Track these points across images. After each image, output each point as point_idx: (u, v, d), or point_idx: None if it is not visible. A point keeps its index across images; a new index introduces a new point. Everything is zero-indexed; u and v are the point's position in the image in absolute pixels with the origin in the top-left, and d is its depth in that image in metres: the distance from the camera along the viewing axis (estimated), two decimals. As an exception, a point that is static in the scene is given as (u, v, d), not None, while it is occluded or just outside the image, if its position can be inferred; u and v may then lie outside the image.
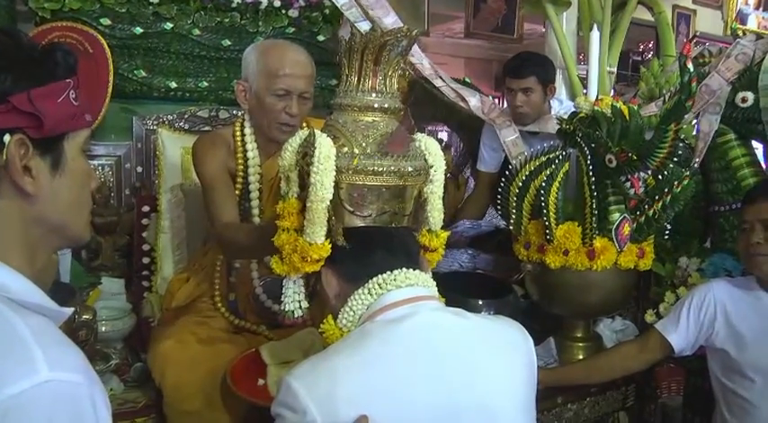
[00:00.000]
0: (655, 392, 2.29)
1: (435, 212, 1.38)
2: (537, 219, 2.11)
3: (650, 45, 7.25)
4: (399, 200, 1.29)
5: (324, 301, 1.29)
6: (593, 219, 1.93)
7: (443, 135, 6.20)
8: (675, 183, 1.89)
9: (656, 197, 1.92)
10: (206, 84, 2.85)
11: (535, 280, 2.16)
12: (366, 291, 1.18)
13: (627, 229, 1.97)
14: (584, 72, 3.48)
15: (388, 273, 1.18)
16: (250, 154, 1.92)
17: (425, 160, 1.33)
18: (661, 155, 1.79)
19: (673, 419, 2.38)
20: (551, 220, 2.00)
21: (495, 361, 1.15)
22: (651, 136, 1.88)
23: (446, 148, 4.28)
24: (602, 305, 2.12)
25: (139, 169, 2.71)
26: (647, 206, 1.94)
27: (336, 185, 1.23)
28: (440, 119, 3.46)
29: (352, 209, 1.26)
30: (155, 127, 2.67)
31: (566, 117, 2.11)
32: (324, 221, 1.23)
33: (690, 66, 1.69)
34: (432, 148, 1.34)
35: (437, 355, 1.10)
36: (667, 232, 2.02)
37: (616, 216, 1.96)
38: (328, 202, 1.22)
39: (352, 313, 1.19)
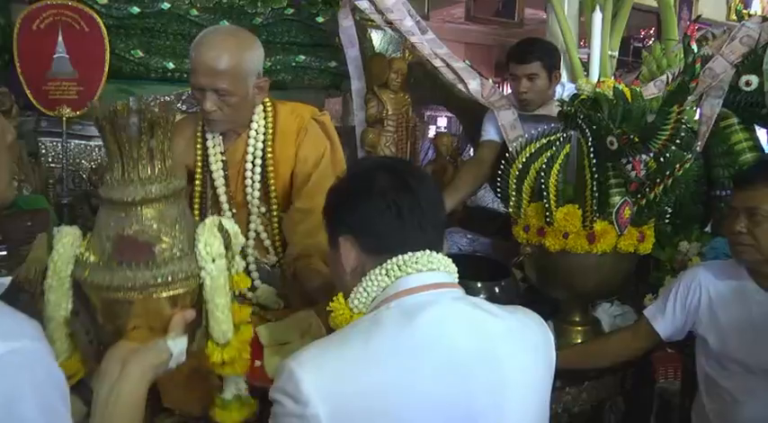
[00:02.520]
0: (652, 377, 2.28)
1: (218, 326, 1.15)
2: (537, 201, 2.10)
3: (651, 31, 7.21)
4: (157, 315, 1.10)
5: (335, 274, 1.19)
6: (594, 201, 1.91)
7: (443, 121, 6.18)
8: (677, 166, 1.87)
9: (658, 180, 1.89)
10: (204, 65, 2.81)
11: (534, 263, 2.14)
12: (384, 271, 1.08)
13: (627, 213, 1.95)
14: (586, 56, 3.47)
15: (410, 254, 1.08)
16: (209, 142, 1.90)
17: (196, 260, 1.11)
18: (663, 137, 1.77)
19: (670, 404, 2.38)
20: (551, 202, 1.98)
21: (516, 363, 1.07)
22: (653, 119, 1.86)
23: (444, 132, 4.26)
24: (601, 289, 2.10)
25: (136, 150, 2.68)
26: (648, 189, 1.92)
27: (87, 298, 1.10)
28: (439, 101, 3.44)
29: (109, 325, 1.11)
30: (154, 108, 2.64)
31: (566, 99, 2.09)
32: (67, 341, 1.13)
33: (694, 46, 1.66)
34: (212, 245, 1.11)
35: (456, 351, 1.01)
36: (668, 216, 2.00)
37: (617, 199, 1.94)
38: (65, 320, 1.11)
39: (365, 294, 1.10)
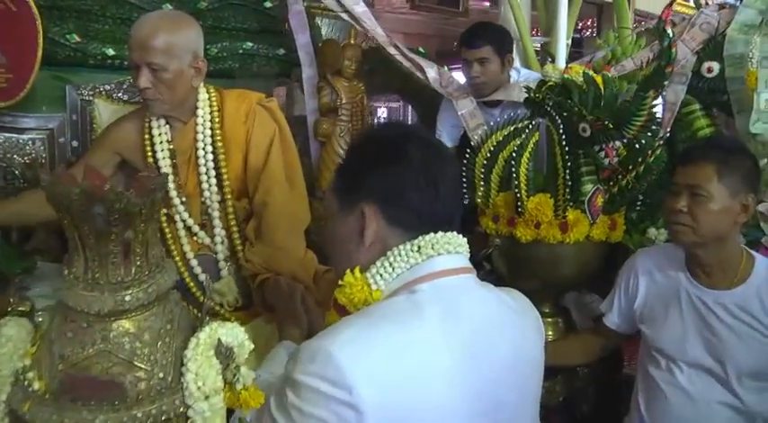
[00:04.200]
0: (621, 364, 2.28)
1: None
2: (505, 191, 2.05)
3: (589, 23, 7.38)
4: None
5: (340, 246, 1.08)
6: (567, 190, 1.88)
7: (383, 111, 6.10)
8: (649, 152, 1.85)
9: (630, 167, 1.87)
10: (146, 51, 2.64)
11: (503, 254, 2.09)
12: (415, 248, 1.00)
13: (600, 200, 1.92)
14: (538, 45, 3.46)
15: (441, 233, 1.01)
16: (155, 131, 1.87)
17: (183, 396, 0.88)
18: (638, 123, 1.74)
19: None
20: (522, 191, 1.93)
21: (530, 344, 1.07)
22: (620, 101, 1.83)
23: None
24: (574, 279, 2.07)
25: (75, 143, 2.47)
26: (620, 176, 1.90)
27: None
28: (393, 89, 3.35)
29: None
30: (90, 97, 2.46)
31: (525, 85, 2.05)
32: None
33: (669, 30, 1.63)
34: (206, 377, 0.89)
35: (490, 339, 0.99)
36: (639, 203, 1.99)
37: (588, 187, 1.91)
38: None
39: (390, 270, 1.00)
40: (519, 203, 1.92)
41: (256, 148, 1.87)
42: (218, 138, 1.85)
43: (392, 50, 2.75)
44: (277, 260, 1.75)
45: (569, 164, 1.86)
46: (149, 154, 1.85)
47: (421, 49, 3.05)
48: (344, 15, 2.66)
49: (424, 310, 0.95)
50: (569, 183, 1.86)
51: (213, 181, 1.85)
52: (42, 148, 2.47)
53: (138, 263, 0.85)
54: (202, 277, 1.82)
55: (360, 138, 1.15)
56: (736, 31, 2.07)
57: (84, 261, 0.83)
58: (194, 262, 1.85)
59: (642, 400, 1.78)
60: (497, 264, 2.14)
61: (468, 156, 2.12)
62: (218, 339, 0.89)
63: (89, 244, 0.82)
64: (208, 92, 1.87)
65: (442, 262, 1.01)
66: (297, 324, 1.49)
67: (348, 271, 1.02)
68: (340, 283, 1.03)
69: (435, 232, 1.02)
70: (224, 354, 0.89)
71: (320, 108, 2.79)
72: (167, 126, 1.86)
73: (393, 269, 1.00)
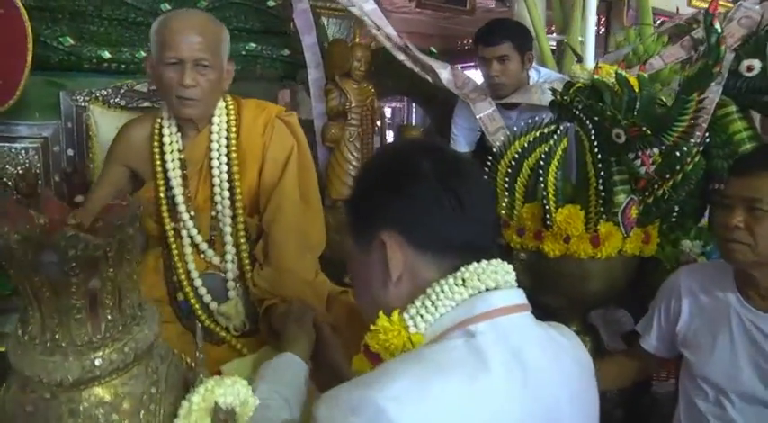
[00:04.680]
0: (649, 383, 2.14)
1: None
2: (531, 201, 1.91)
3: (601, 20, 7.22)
4: None
5: (366, 286, 0.95)
6: (599, 201, 1.73)
7: (386, 112, 5.97)
8: (687, 160, 1.71)
9: (667, 176, 1.73)
10: (144, 54, 2.49)
11: (529, 269, 1.94)
12: (459, 281, 0.86)
13: (634, 212, 1.78)
14: (554, 43, 3.32)
15: (485, 262, 0.88)
16: (166, 139, 1.73)
17: None
18: (680, 128, 1.59)
19: (663, 407, 2.25)
20: (551, 203, 1.79)
21: (585, 394, 0.96)
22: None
23: (411, 125, 4.04)
24: (604, 295, 1.93)
25: (70, 152, 2.33)
26: (656, 186, 1.75)
27: None
28: (402, 91, 3.20)
29: None
30: (86, 103, 2.33)
31: (549, 87, 1.91)
32: None
33: (717, 25, 1.49)
34: None
35: (553, 387, 0.88)
36: (674, 214, 1.85)
37: (621, 197, 1.77)
38: None
39: (433, 310, 0.86)
40: (548, 216, 1.78)
41: (273, 162, 1.74)
42: (234, 149, 1.72)
43: (401, 56, 2.62)
44: (284, 284, 1.62)
45: (602, 173, 1.72)
46: (158, 163, 1.72)
47: (432, 49, 2.91)
48: (354, 10, 2.52)
49: (488, 358, 0.81)
50: (602, 193, 1.72)
51: (226, 194, 1.72)
52: (36, 157, 2.33)
53: (109, 317, 0.69)
54: (208, 299, 1.68)
55: (366, 163, 1.01)
56: (779, 27, 1.93)
57: (41, 318, 0.66)
58: (199, 282, 1.71)
59: None
60: (522, 279, 1.99)
61: (489, 163, 1.98)
62: (215, 403, 0.73)
63: (44, 298, 0.65)
64: (225, 99, 1.76)
65: (499, 298, 0.88)
66: (304, 337, 1.34)
67: (382, 314, 0.88)
68: (372, 327, 0.89)
69: (477, 261, 0.88)
70: (223, 419, 0.74)
71: (328, 112, 2.65)
72: (179, 134, 1.74)
73: (436, 308, 0.86)
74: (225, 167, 1.71)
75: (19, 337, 0.67)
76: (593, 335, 2.06)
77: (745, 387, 1.51)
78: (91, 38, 2.41)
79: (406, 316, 0.88)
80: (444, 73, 2.56)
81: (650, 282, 2.09)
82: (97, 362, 0.67)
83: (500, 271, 0.89)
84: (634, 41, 2.73)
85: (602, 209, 1.74)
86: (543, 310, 1.95)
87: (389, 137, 3.37)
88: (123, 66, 2.46)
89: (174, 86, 1.60)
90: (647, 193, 1.77)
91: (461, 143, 2.64)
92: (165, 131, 1.72)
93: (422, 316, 0.86)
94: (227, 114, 1.73)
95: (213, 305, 1.68)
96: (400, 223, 0.89)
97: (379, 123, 2.67)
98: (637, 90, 1.70)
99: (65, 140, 2.33)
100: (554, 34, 3.21)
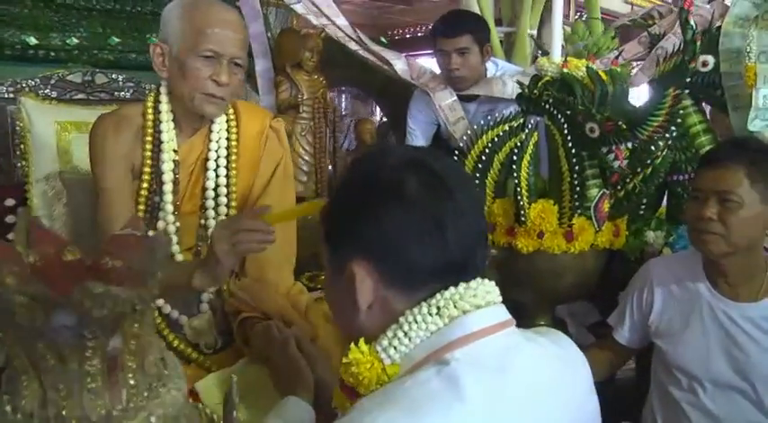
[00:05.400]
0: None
1: None
2: (501, 197, 1.88)
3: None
4: None
5: (340, 313, 0.90)
6: (574, 196, 1.72)
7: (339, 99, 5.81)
8: (657, 154, 1.73)
9: (639, 170, 1.74)
10: (76, 41, 2.32)
11: (500, 266, 1.91)
12: (434, 310, 0.80)
13: (606, 206, 1.78)
14: (501, 35, 3.31)
15: (464, 285, 0.81)
16: (164, 136, 1.54)
17: None
18: (655, 123, 1.59)
19: (627, 396, 2.28)
20: (524, 198, 1.76)
21: (584, 407, 0.90)
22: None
23: (366, 118, 3.94)
24: (577, 289, 1.92)
25: (-7, 151, 2.13)
26: (627, 180, 1.76)
27: None
28: (354, 82, 3.11)
29: None
30: (11, 95, 2.12)
31: (516, 79, 1.88)
32: None
33: (692, 21, 1.49)
34: None
35: (545, 404, 0.82)
36: (642, 207, 1.86)
37: (594, 191, 1.76)
38: None
39: (406, 341, 0.80)
40: (522, 211, 1.75)
41: (263, 171, 1.64)
42: (234, 153, 1.60)
43: (352, 46, 2.53)
44: (264, 296, 1.50)
45: (576, 167, 1.71)
46: (149, 163, 1.53)
47: (383, 39, 2.84)
48: (298, 7, 2.41)
49: (462, 388, 0.74)
50: (577, 188, 1.71)
51: (223, 199, 1.58)
52: (-46, 155, 2.11)
53: (132, 381, 0.56)
54: (175, 313, 1.54)
55: (345, 175, 0.93)
56: (731, 25, 1.97)
57: (41, 391, 0.52)
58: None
59: (661, 420, 1.65)
60: (492, 276, 1.96)
61: (456, 158, 1.93)
62: None
63: (47, 367, 0.51)
64: None
65: (476, 321, 0.81)
66: (302, 382, 1.26)
67: (353, 346, 0.81)
68: (344, 360, 0.82)
69: (456, 284, 0.81)
70: None
71: (278, 105, 2.53)
72: (174, 130, 1.56)
73: (410, 339, 0.80)
74: (224, 171, 1.58)
75: (7, 413, 0.52)
76: (562, 328, 2.05)
77: (718, 374, 1.54)
78: (13, 22, 2.22)
79: (378, 347, 0.81)
80: (399, 63, 2.50)
81: (615, 274, 2.11)
82: None
83: (480, 293, 0.83)
84: (584, 36, 2.75)
85: (576, 203, 1.73)
86: (511, 305, 1.96)
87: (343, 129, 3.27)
88: (53, 53, 2.28)
89: (202, 81, 1.45)
90: (618, 187, 1.77)
91: (419, 137, 2.58)
92: (164, 127, 1.53)
93: (395, 347, 0.81)
94: (227, 116, 1.60)
95: (183, 320, 1.54)
96: (372, 252, 0.82)
97: (332, 116, 2.56)
98: (608, 84, 1.69)
99: (-12, 138, 2.12)
100: (503, 26, 3.20)
